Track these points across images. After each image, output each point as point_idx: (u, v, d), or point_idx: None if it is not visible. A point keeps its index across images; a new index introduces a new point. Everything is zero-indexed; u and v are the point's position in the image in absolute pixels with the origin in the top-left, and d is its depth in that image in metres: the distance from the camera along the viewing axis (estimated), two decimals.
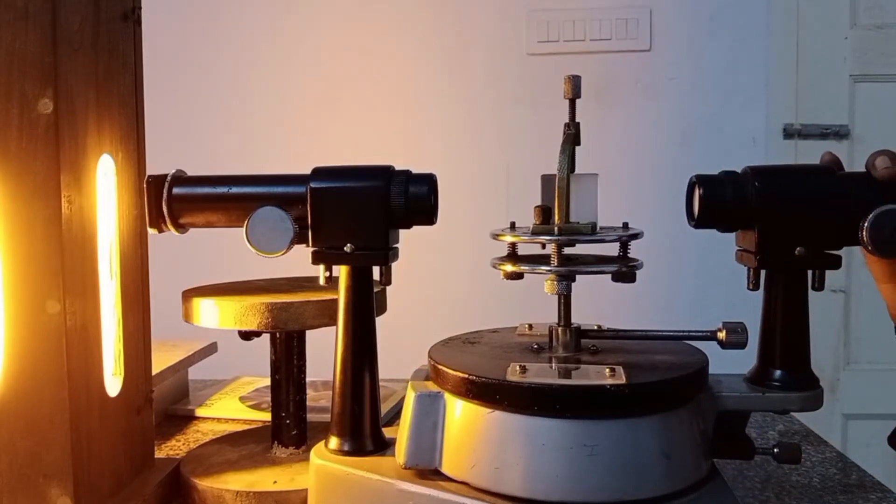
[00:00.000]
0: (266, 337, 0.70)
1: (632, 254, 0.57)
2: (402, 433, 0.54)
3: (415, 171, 0.58)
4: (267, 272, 0.79)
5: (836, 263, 0.55)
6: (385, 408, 0.89)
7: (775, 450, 0.56)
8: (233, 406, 0.94)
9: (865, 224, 0.52)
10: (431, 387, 0.54)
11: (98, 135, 0.59)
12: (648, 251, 0.67)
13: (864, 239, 0.53)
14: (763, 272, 0.56)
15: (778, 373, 0.56)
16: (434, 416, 0.53)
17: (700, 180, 0.56)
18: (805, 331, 0.56)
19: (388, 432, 0.59)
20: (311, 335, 0.70)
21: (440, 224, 0.59)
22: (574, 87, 0.56)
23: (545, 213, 0.55)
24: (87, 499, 0.56)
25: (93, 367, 0.57)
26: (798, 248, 0.54)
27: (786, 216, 0.54)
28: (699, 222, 0.56)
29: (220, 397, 0.97)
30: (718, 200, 0.55)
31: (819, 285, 0.55)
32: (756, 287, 0.56)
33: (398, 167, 0.58)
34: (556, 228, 0.54)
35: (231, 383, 1.05)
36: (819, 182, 0.55)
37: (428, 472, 0.53)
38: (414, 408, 0.54)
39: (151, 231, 0.60)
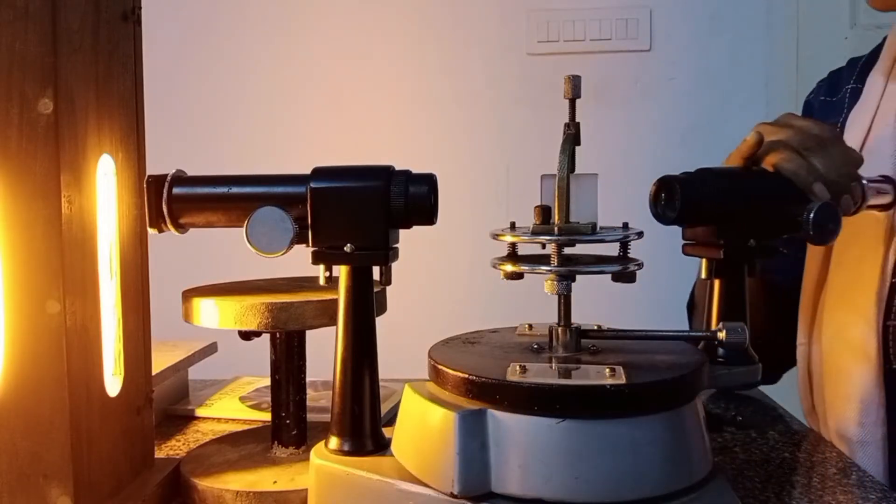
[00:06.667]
0: (266, 337, 0.70)
1: (632, 254, 0.57)
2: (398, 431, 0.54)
3: (415, 171, 0.58)
4: (267, 272, 0.79)
5: (775, 252, 0.65)
6: (385, 408, 0.89)
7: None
8: (233, 406, 0.94)
9: (809, 217, 0.62)
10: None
11: (98, 135, 0.59)
12: (648, 251, 0.67)
13: (807, 229, 0.62)
14: (704, 263, 0.66)
15: (721, 351, 0.65)
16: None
17: (678, 181, 0.64)
18: (744, 311, 0.67)
19: (388, 432, 0.59)
20: (311, 335, 0.70)
21: (440, 224, 0.59)
22: (574, 87, 0.56)
23: (545, 213, 0.55)
24: (87, 499, 0.56)
25: (93, 367, 0.57)
26: (750, 241, 0.64)
27: (742, 213, 0.65)
28: (680, 220, 0.65)
29: (220, 397, 0.97)
30: (697, 200, 0.64)
31: (751, 273, 0.66)
32: (718, 276, 0.66)
33: (398, 167, 0.58)
34: (556, 228, 0.54)
35: (231, 383, 1.05)
36: (766, 183, 0.68)
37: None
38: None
39: (151, 231, 0.60)
